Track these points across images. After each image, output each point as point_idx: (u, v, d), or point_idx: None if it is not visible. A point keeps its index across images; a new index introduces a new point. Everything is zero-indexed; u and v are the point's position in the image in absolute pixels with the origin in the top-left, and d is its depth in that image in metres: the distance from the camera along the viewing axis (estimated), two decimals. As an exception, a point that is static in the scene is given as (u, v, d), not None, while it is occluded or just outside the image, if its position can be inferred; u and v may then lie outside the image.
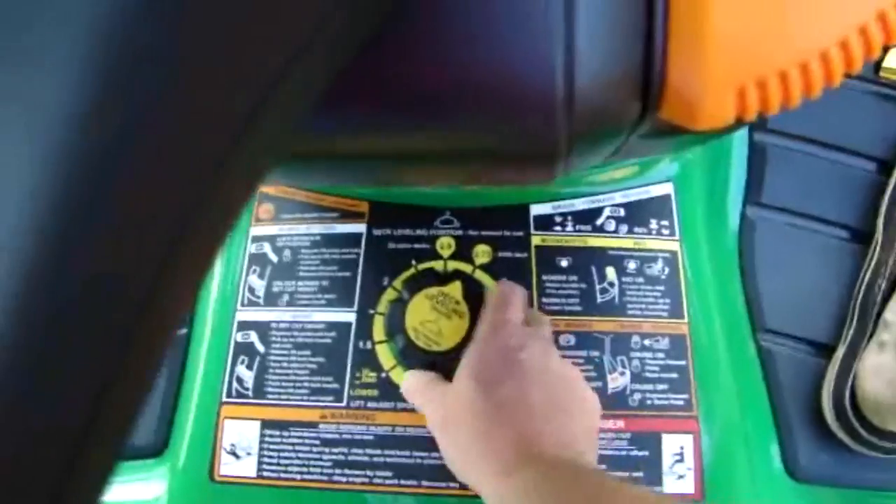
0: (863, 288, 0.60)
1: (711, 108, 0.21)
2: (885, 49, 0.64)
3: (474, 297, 0.52)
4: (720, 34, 0.20)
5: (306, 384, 0.54)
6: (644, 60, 0.21)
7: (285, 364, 0.54)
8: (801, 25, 0.20)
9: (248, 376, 0.54)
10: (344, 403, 0.53)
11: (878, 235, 0.61)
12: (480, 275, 0.55)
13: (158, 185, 0.13)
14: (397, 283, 0.55)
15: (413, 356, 0.52)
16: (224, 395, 0.54)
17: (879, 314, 0.59)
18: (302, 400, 0.54)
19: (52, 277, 0.12)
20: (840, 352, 0.59)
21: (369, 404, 0.53)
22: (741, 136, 0.64)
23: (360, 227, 0.57)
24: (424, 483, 0.52)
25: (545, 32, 0.20)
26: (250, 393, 0.54)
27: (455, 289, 0.53)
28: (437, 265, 0.55)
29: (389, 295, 0.55)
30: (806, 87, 0.20)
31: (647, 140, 0.27)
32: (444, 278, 0.54)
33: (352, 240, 0.57)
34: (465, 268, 0.55)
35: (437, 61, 0.20)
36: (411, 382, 0.50)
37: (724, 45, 0.20)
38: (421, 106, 0.20)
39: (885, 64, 0.65)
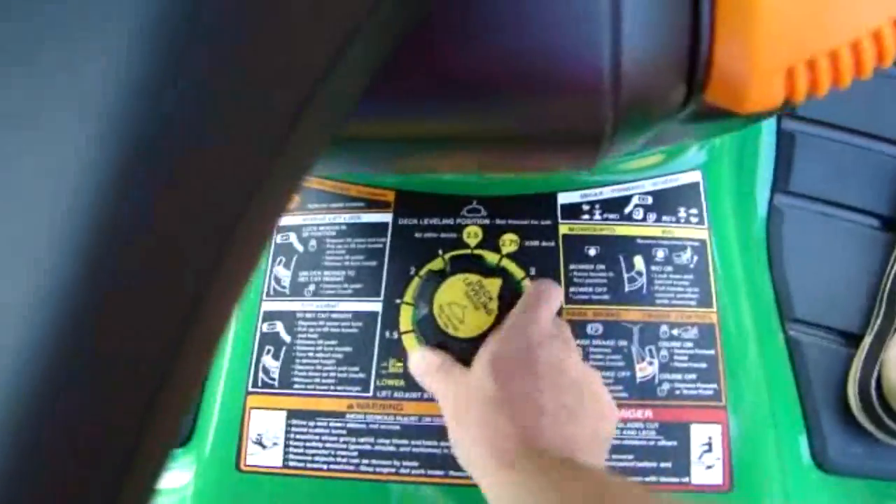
0: (891, 277, 0.59)
1: (759, 90, 0.20)
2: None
3: (508, 298, 0.52)
4: (769, 15, 0.19)
5: (333, 374, 0.54)
6: (690, 43, 0.21)
7: (311, 354, 0.54)
8: (852, 3, 0.19)
9: (274, 366, 0.54)
10: (371, 393, 0.53)
11: None
12: (507, 263, 0.55)
13: (226, 156, 0.13)
14: (424, 270, 0.55)
15: (428, 329, 0.51)
16: (250, 384, 0.54)
17: None
18: (328, 390, 0.53)
19: (106, 278, 0.12)
20: (867, 341, 0.58)
21: (396, 394, 0.53)
22: (769, 123, 0.64)
23: (386, 217, 0.57)
24: (451, 473, 0.52)
25: (592, 16, 0.19)
26: (276, 383, 0.54)
27: (494, 284, 0.52)
28: (491, 257, 0.55)
29: (424, 274, 0.55)
30: (858, 67, 0.20)
31: (687, 124, 0.26)
32: (488, 270, 0.53)
33: (378, 229, 0.57)
34: (492, 257, 0.55)
35: (487, 45, 0.19)
36: (423, 360, 0.50)
37: (773, 25, 0.19)
38: (472, 89, 0.20)
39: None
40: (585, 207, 0.56)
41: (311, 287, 0.56)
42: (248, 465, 0.53)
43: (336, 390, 0.53)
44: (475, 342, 0.50)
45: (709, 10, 0.20)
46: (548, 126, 0.22)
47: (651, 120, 0.23)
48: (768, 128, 0.63)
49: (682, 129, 0.28)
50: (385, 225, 0.57)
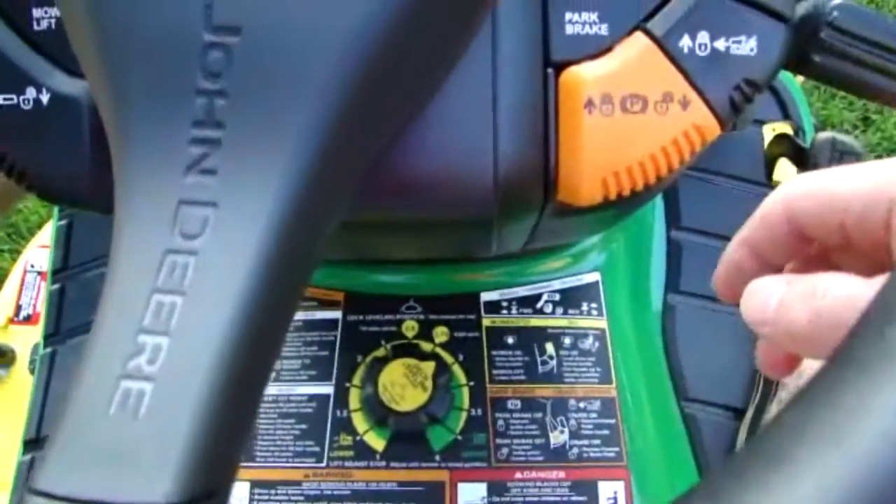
0: None
1: (586, 192, 0.32)
2: (774, 160, 0.77)
3: (441, 379, 0.62)
4: (588, 149, 0.31)
5: (290, 448, 0.63)
6: (544, 166, 0.33)
7: (272, 431, 0.63)
8: (636, 143, 0.31)
9: (242, 444, 0.63)
10: (324, 464, 0.62)
11: None
12: (440, 350, 0.65)
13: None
14: (369, 357, 0.65)
15: (374, 405, 0.61)
16: (221, 461, 0.63)
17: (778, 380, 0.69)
18: (287, 462, 0.62)
19: None
20: (749, 414, 0.69)
21: (346, 464, 0.62)
22: (660, 232, 0.76)
23: (336, 314, 0.67)
24: None
25: (481, 147, 0.31)
26: (241, 457, 0.63)
27: (429, 367, 0.63)
28: (426, 346, 0.66)
29: (369, 361, 0.65)
30: (645, 177, 0.32)
31: (557, 219, 0.38)
32: (424, 356, 0.64)
33: (329, 324, 0.67)
34: (427, 345, 0.65)
35: (407, 164, 0.31)
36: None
37: (591, 155, 0.31)
38: (401, 193, 0.32)
39: (774, 175, 0.78)
40: (504, 304, 0.68)
41: (272, 374, 0.66)
42: (218, 533, 0.61)
43: (293, 462, 0.62)
44: (413, 414, 0.60)
45: (554, 145, 0.32)
46: (455, 216, 0.33)
47: (524, 213, 0.35)
48: (659, 236, 0.76)
49: (560, 224, 0.39)
50: (335, 321, 0.67)
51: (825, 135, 0.67)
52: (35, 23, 0.31)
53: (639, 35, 0.31)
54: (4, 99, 0.30)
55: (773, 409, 0.67)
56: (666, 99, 0.30)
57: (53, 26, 0.31)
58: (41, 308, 0.94)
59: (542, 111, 0.32)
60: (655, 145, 0.31)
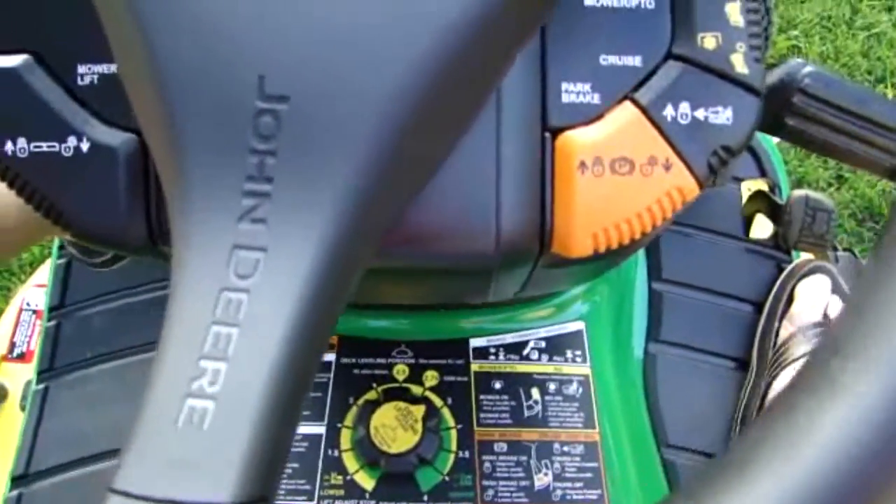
0: (742, 407, 0.74)
1: (578, 246, 0.35)
2: (751, 216, 0.81)
3: (431, 422, 0.65)
4: (581, 206, 0.34)
5: (283, 486, 0.64)
6: (541, 220, 0.36)
7: None
8: (624, 201, 0.34)
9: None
10: (315, 502, 0.64)
11: (753, 364, 0.75)
12: (429, 394, 0.67)
13: None
14: (361, 400, 0.67)
15: (365, 447, 0.63)
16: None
17: None
18: (279, 500, 0.64)
19: None
20: None
21: (337, 502, 0.64)
22: (641, 283, 0.79)
23: (329, 357, 0.69)
24: None
25: (485, 203, 0.35)
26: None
27: (419, 410, 0.65)
28: (416, 389, 0.68)
29: (361, 403, 0.67)
30: (631, 232, 0.35)
31: (551, 270, 0.41)
32: (414, 399, 0.66)
33: (323, 367, 0.69)
34: (417, 389, 0.68)
35: (425, 217, 0.34)
36: None
37: (583, 213, 0.34)
38: (414, 243, 0.35)
39: (752, 231, 0.82)
40: (492, 350, 0.70)
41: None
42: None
43: (285, 500, 0.64)
44: (404, 456, 0.62)
45: (550, 201, 0.36)
46: (458, 264, 0.36)
47: (521, 264, 0.38)
48: (641, 287, 0.79)
49: (552, 274, 0.42)
50: (329, 363, 0.69)
51: (799, 192, 0.71)
52: (79, 78, 0.34)
53: (627, 104, 0.34)
54: (48, 146, 0.33)
55: None
56: (651, 162, 0.33)
57: (96, 82, 0.34)
58: (35, 346, 0.96)
59: (540, 171, 0.35)
60: (641, 204, 0.34)
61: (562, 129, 0.35)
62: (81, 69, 0.34)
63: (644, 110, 0.34)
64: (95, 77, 0.34)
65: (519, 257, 0.36)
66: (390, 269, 0.37)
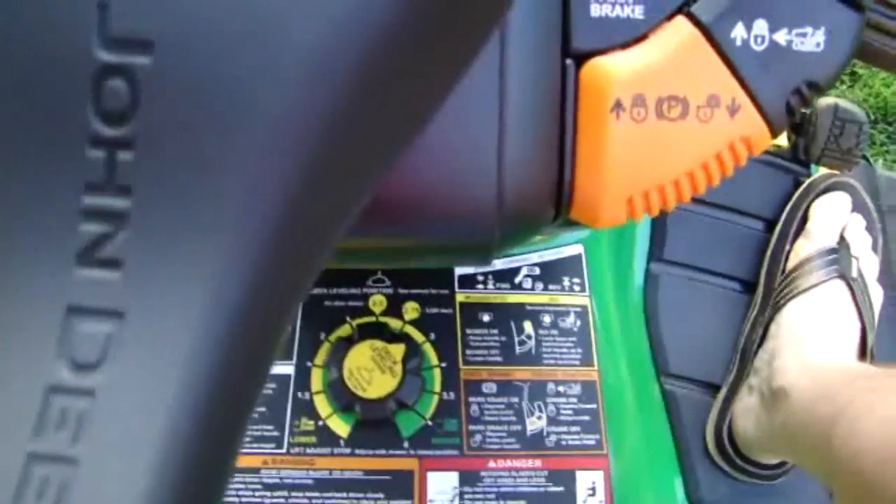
0: (745, 334, 0.67)
1: (607, 213, 0.27)
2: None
3: (411, 363, 0.58)
4: (613, 161, 0.26)
5: (248, 432, 0.58)
6: (558, 179, 0.27)
7: None
8: (672, 156, 0.26)
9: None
10: (284, 450, 0.57)
11: (760, 288, 0.69)
12: (409, 329, 0.60)
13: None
14: (333, 336, 0.60)
15: (338, 391, 0.57)
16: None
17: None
18: (244, 447, 0.58)
19: None
20: (722, 392, 0.66)
21: (308, 450, 0.57)
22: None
23: None
24: None
25: (483, 156, 0.26)
26: None
27: (398, 350, 0.58)
28: (395, 323, 0.61)
29: (333, 340, 0.60)
30: (678, 196, 0.27)
31: (560, 228, 0.33)
32: (392, 336, 0.59)
33: None
34: (396, 323, 0.60)
35: (407, 185, 0.25)
36: None
37: (616, 169, 0.26)
38: (397, 216, 0.26)
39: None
40: (480, 278, 0.63)
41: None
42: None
43: (252, 447, 0.58)
44: (381, 402, 0.56)
45: (571, 155, 0.27)
46: (450, 241, 0.28)
47: (528, 233, 0.30)
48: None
49: (558, 230, 0.34)
50: None
51: (828, 101, 0.62)
52: None
53: (681, 21, 0.25)
54: None
55: (742, 391, 0.65)
56: (711, 103, 0.25)
57: None
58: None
59: (559, 112, 0.26)
60: (695, 160, 0.26)
61: (590, 54, 0.26)
62: None
63: (704, 30, 0.25)
64: None
65: (526, 226, 0.28)
66: (361, 250, 0.29)
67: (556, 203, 0.27)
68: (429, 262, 0.36)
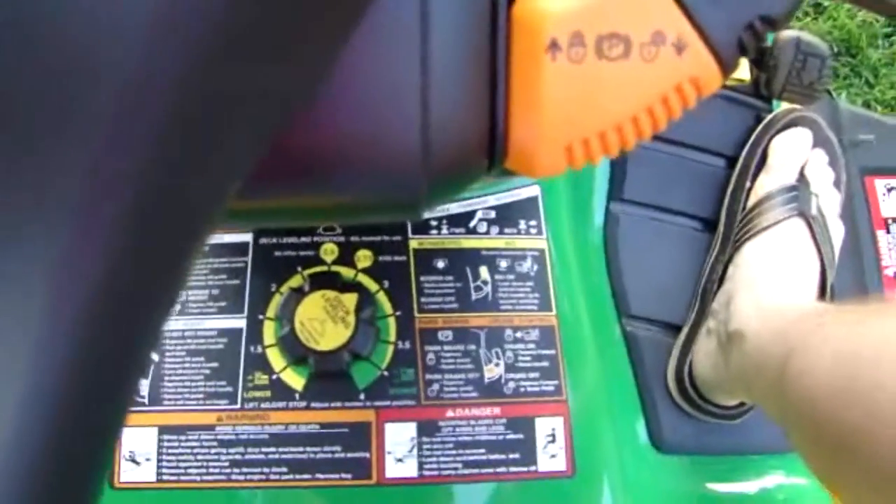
0: (706, 275, 0.67)
1: (545, 162, 0.25)
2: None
3: (364, 313, 0.56)
4: (550, 106, 0.24)
5: (201, 389, 0.56)
6: (490, 127, 0.25)
7: (179, 371, 0.57)
8: (614, 99, 0.24)
9: (143, 384, 0.57)
10: (238, 405, 0.56)
11: (720, 228, 0.67)
12: (362, 277, 0.59)
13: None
14: (284, 287, 0.58)
15: (291, 344, 0.56)
16: (120, 403, 0.56)
17: None
18: (198, 404, 0.56)
19: None
20: (683, 332, 0.65)
21: (262, 405, 0.56)
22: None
23: (246, 237, 0.60)
24: (319, 476, 0.55)
25: (405, 102, 0.23)
26: (146, 400, 0.56)
27: (350, 299, 0.56)
28: (347, 272, 0.59)
29: (284, 291, 0.58)
30: (622, 142, 0.25)
31: (499, 177, 0.31)
32: (344, 286, 0.57)
33: (238, 249, 0.59)
34: (348, 272, 0.59)
35: (321, 134, 0.23)
36: None
37: (553, 114, 0.24)
38: (311, 171, 0.24)
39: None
40: (433, 223, 0.61)
41: (177, 306, 0.58)
42: (122, 483, 0.55)
43: (205, 404, 0.56)
44: (335, 353, 0.54)
45: (503, 100, 0.25)
46: (376, 198, 0.26)
47: (460, 186, 0.28)
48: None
49: (495, 180, 0.32)
50: (245, 245, 0.60)
51: (789, 34, 0.61)
52: None
53: None
54: None
55: (701, 333, 0.64)
56: (656, 40, 0.23)
57: None
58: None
59: (489, 53, 0.24)
60: (640, 103, 0.24)
61: None
62: None
63: None
64: None
65: (456, 178, 0.26)
66: (283, 209, 0.27)
67: (490, 152, 0.25)
68: (353, 219, 0.34)
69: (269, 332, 0.57)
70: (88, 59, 0.13)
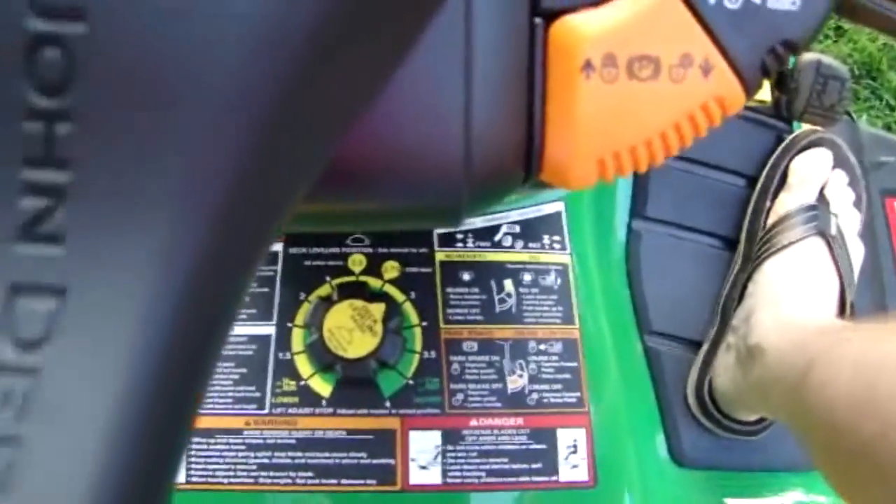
0: (724, 293, 0.68)
1: (579, 174, 0.27)
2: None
3: (392, 322, 0.58)
4: (584, 123, 0.25)
5: (230, 394, 0.58)
6: (527, 141, 0.27)
7: None
8: (643, 117, 0.26)
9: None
10: (266, 411, 0.57)
11: (741, 245, 0.69)
12: (389, 288, 0.60)
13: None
14: (313, 296, 0.60)
15: (319, 351, 0.57)
16: (152, 407, 0.58)
17: None
18: (227, 408, 0.58)
19: None
20: (703, 349, 0.66)
21: (290, 410, 0.58)
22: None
23: (276, 247, 0.61)
24: (344, 481, 0.56)
25: (449, 119, 0.25)
26: None
27: (378, 309, 0.58)
28: (374, 283, 0.60)
29: (313, 300, 0.59)
30: (651, 157, 0.26)
31: (533, 189, 0.32)
32: (372, 295, 0.59)
33: (269, 258, 0.61)
34: (375, 283, 0.60)
35: (363, 145, 0.25)
36: None
37: (586, 130, 0.25)
38: (360, 180, 0.25)
39: (752, 92, 0.73)
40: (459, 236, 0.62)
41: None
42: (152, 483, 0.56)
43: (234, 409, 0.58)
44: (362, 361, 0.56)
45: (540, 116, 0.27)
46: (418, 205, 0.28)
47: (498, 196, 0.29)
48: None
49: (530, 192, 0.34)
50: (276, 254, 0.61)
51: (810, 56, 0.62)
52: None
53: None
54: None
55: (721, 349, 0.65)
56: (684, 62, 0.24)
57: None
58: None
59: (527, 72, 0.26)
60: (667, 120, 0.25)
61: (559, 13, 0.25)
62: None
63: None
64: None
65: (495, 189, 0.28)
66: (331, 214, 0.28)
67: (526, 165, 0.27)
68: (397, 225, 0.36)
69: (298, 339, 0.59)
70: (192, 76, 0.14)
